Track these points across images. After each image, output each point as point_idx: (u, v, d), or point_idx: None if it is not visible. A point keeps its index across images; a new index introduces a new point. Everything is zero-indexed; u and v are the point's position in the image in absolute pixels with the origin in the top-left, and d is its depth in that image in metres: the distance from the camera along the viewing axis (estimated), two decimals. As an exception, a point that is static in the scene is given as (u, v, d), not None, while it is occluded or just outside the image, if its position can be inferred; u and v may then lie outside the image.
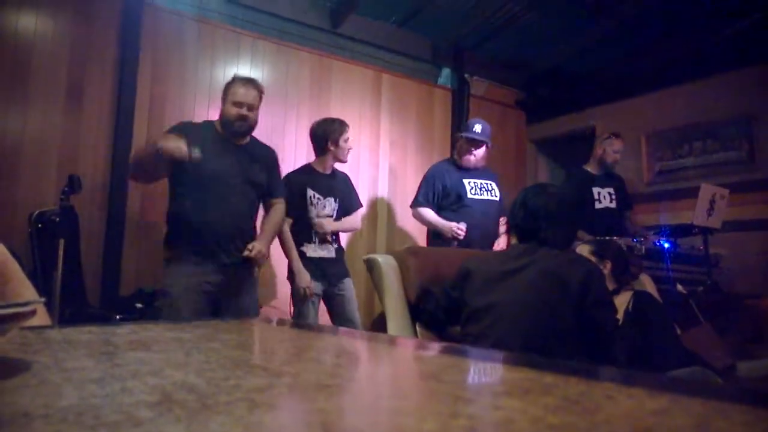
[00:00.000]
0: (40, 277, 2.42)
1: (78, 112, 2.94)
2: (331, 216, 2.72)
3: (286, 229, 2.62)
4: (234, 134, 2.24)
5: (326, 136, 2.72)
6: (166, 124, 3.20)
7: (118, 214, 2.97)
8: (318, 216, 2.67)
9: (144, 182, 2.79)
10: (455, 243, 2.86)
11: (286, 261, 2.67)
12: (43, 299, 0.66)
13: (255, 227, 2.36)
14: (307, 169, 2.80)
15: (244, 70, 3.47)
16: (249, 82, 2.27)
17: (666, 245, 2.99)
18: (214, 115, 3.25)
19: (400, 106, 4.15)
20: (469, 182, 3.02)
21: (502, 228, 3.08)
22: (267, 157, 2.38)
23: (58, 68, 2.89)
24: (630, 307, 2.06)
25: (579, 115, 4.59)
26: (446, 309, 1.70)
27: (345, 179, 2.90)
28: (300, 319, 2.61)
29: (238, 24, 3.53)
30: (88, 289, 2.82)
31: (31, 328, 0.74)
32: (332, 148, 2.72)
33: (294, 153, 3.62)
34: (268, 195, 2.37)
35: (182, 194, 2.17)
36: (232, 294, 2.19)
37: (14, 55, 2.79)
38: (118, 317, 2.49)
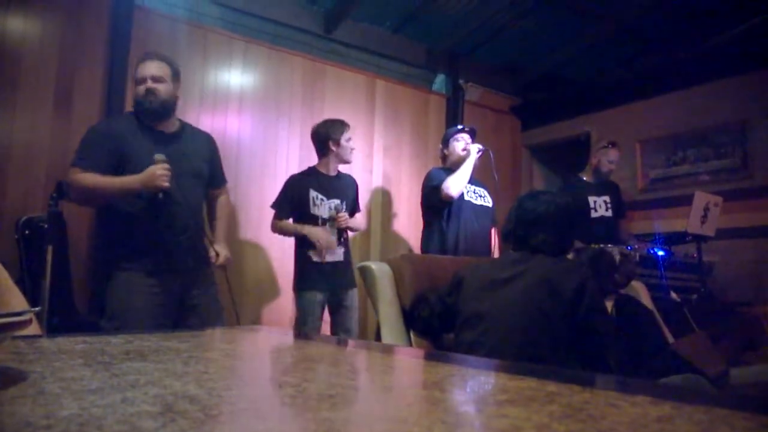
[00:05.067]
0: (27, 285, 2.38)
1: (67, 117, 2.91)
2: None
3: (285, 223, 2.65)
4: (148, 114, 1.98)
5: (327, 136, 2.71)
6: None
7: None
8: (321, 217, 2.64)
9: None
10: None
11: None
12: (37, 308, 0.65)
13: (204, 223, 2.19)
14: (311, 171, 2.80)
15: (236, 74, 3.46)
16: (150, 55, 2.06)
17: (660, 253, 3.00)
18: (206, 122, 3.27)
19: (395, 112, 4.16)
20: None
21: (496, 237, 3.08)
22: (205, 143, 2.17)
23: (46, 72, 2.86)
24: (612, 313, 2.06)
25: (574, 122, 4.62)
26: (440, 316, 1.69)
27: (352, 182, 2.91)
28: (302, 328, 2.55)
29: (230, 28, 3.51)
30: (76, 296, 2.78)
31: (23, 338, 0.73)
32: (334, 148, 2.72)
33: (286, 159, 3.61)
34: (211, 185, 2.18)
35: (120, 199, 1.92)
36: (195, 302, 2.00)
37: (2, 58, 2.76)
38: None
